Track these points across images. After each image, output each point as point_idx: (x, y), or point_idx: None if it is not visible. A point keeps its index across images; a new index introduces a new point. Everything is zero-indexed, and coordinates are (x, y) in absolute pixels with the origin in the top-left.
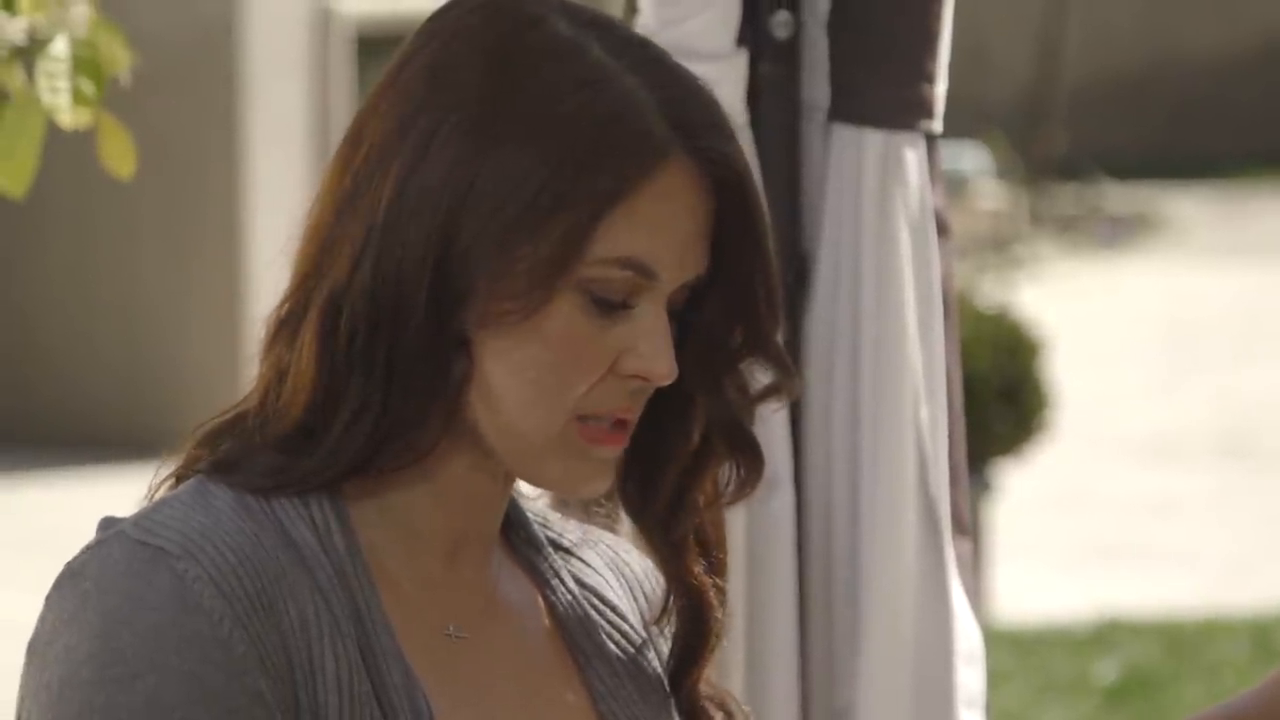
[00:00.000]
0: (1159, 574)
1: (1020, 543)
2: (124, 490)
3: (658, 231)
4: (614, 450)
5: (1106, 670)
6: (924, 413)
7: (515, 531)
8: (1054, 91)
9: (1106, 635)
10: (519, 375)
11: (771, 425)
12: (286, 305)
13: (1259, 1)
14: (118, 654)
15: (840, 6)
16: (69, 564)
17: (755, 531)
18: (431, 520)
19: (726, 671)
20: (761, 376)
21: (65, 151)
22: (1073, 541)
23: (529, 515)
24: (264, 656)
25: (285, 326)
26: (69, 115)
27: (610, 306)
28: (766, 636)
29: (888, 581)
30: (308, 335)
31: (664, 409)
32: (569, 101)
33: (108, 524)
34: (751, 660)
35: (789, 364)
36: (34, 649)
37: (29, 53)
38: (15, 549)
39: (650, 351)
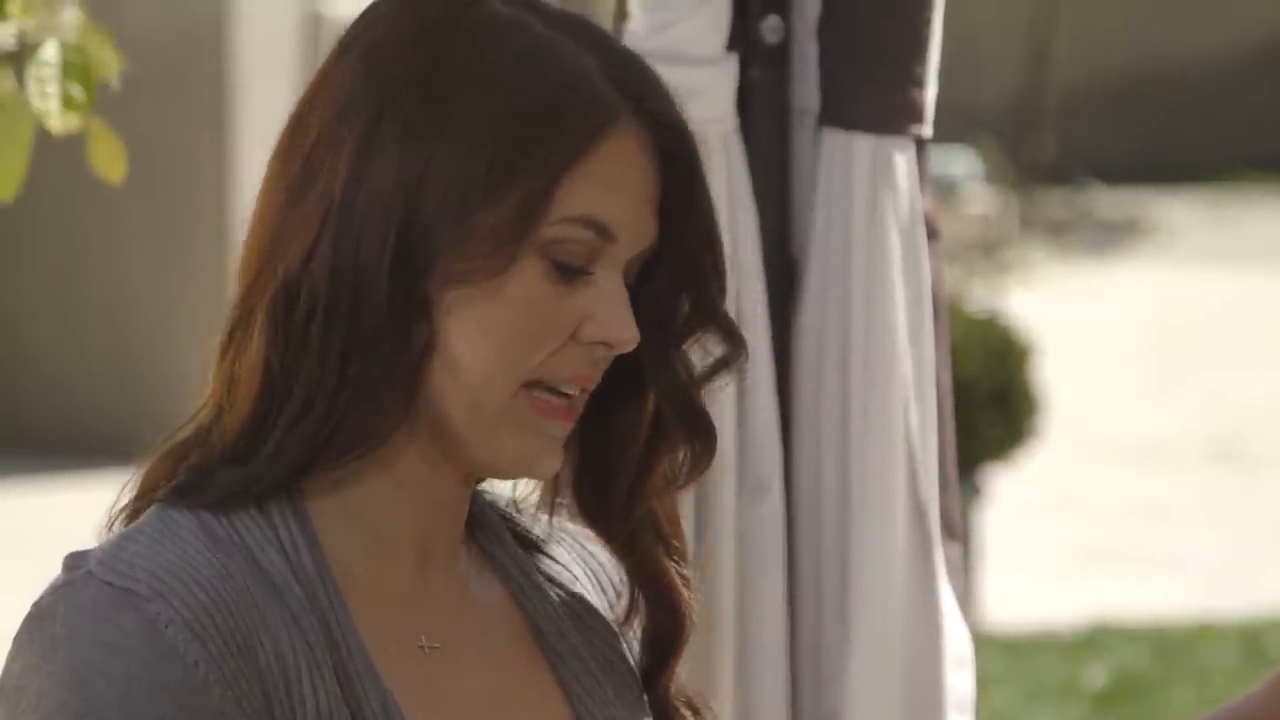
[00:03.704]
0: (1149, 579)
1: (1010, 547)
2: (113, 495)
3: (614, 192)
4: (563, 426)
5: (1096, 675)
6: (914, 417)
7: (481, 530)
8: (1043, 96)
9: (1096, 640)
10: (483, 340)
11: (761, 429)
12: (236, 312)
13: (1248, 6)
14: (91, 702)
15: (830, 11)
16: (36, 605)
17: (744, 536)
18: (397, 522)
19: (716, 676)
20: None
21: (54, 156)
22: (1063, 546)
23: (494, 511)
24: (240, 698)
25: (237, 330)
26: (59, 120)
27: (571, 272)
28: (756, 641)
29: (877, 586)
30: (258, 326)
31: (613, 403)
32: (515, 73)
33: (74, 561)
34: (741, 664)
35: (739, 334)
36: (3, 691)
37: (19, 58)
38: (3, 554)
39: (611, 317)
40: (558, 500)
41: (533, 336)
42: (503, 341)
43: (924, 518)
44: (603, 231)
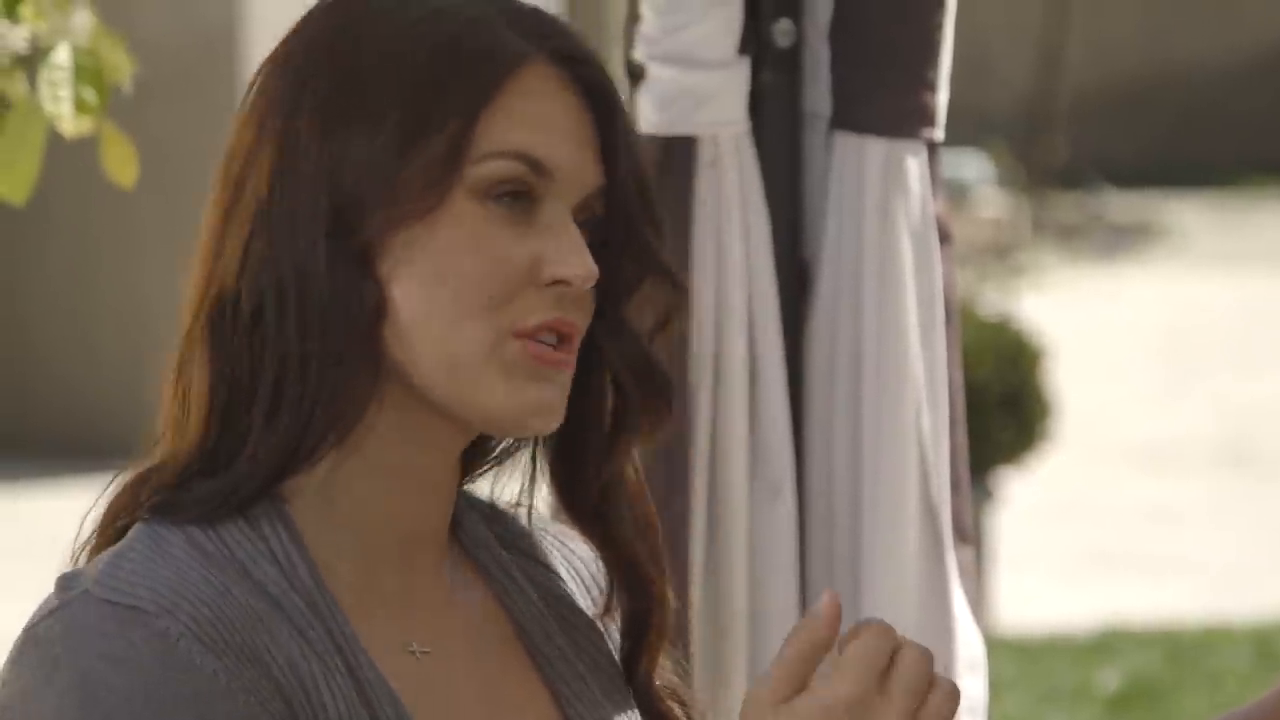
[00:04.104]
0: (1160, 582)
1: (1022, 551)
2: None
3: (540, 128)
4: (561, 371)
5: (1108, 679)
6: (925, 421)
7: (464, 531)
8: (1055, 100)
9: (1108, 644)
10: (436, 291)
11: (773, 432)
12: (184, 341)
13: (1260, 10)
14: (105, 718)
15: (842, 15)
16: (29, 629)
17: (757, 539)
18: (381, 516)
19: (728, 680)
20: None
21: (66, 159)
22: (1074, 550)
23: (476, 512)
24: (265, 702)
25: (184, 358)
26: (71, 123)
27: (514, 210)
28: (769, 644)
29: (889, 589)
30: (202, 343)
31: (577, 378)
32: (415, 34)
33: (67, 583)
34: (753, 667)
35: (679, 278)
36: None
37: (31, 61)
38: (16, 557)
39: (562, 253)
40: (531, 506)
41: (485, 277)
42: (455, 288)
43: (936, 521)
44: (535, 166)
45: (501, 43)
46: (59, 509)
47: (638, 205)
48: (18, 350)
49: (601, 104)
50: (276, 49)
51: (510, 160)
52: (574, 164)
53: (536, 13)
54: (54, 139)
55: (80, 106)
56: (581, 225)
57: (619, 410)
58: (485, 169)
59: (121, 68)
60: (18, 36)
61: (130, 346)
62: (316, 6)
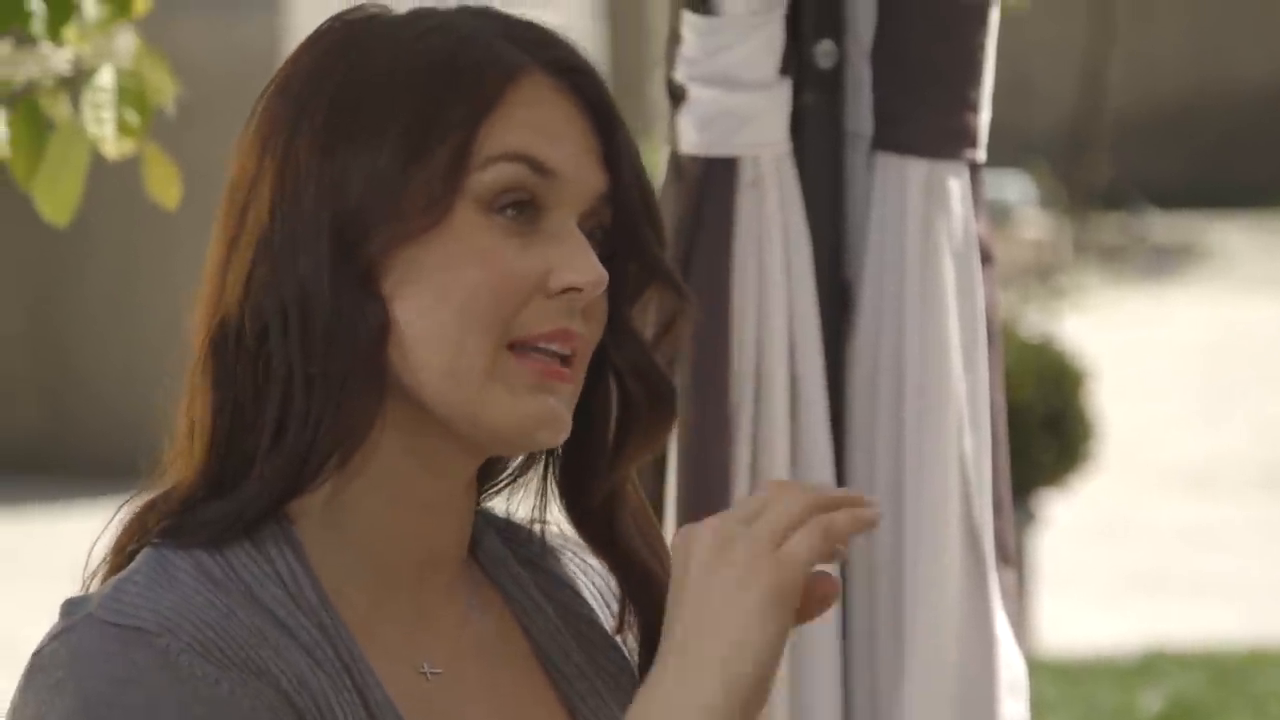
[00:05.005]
0: (1204, 604)
1: (1064, 573)
2: None
3: (538, 132)
4: (564, 385)
5: (1151, 701)
6: (968, 442)
7: (480, 548)
8: (1098, 120)
9: (1151, 666)
10: (441, 306)
11: (815, 453)
12: (191, 370)
13: None
14: None
15: (884, 36)
16: (36, 654)
17: None
18: (392, 536)
19: (769, 702)
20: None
21: (108, 180)
22: (1117, 571)
23: (492, 526)
24: (275, 709)
25: (193, 381)
26: (114, 145)
27: (518, 221)
28: (810, 665)
29: (932, 611)
30: (205, 370)
31: (584, 389)
32: (412, 53)
33: (71, 607)
34: (794, 689)
35: (684, 286)
36: None
37: (75, 83)
38: (56, 579)
39: (570, 260)
40: (545, 522)
41: (491, 291)
42: (461, 301)
43: (978, 542)
44: (536, 166)
45: (498, 55)
46: (98, 531)
47: (641, 212)
48: (57, 371)
49: (601, 113)
50: (273, 79)
51: (512, 163)
52: (576, 167)
53: (532, 25)
54: (96, 160)
55: (123, 128)
56: (588, 235)
57: (623, 418)
58: (488, 175)
59: (164, 90)
60: (61, 59)
61: (168, 369)
62: (311, 35)
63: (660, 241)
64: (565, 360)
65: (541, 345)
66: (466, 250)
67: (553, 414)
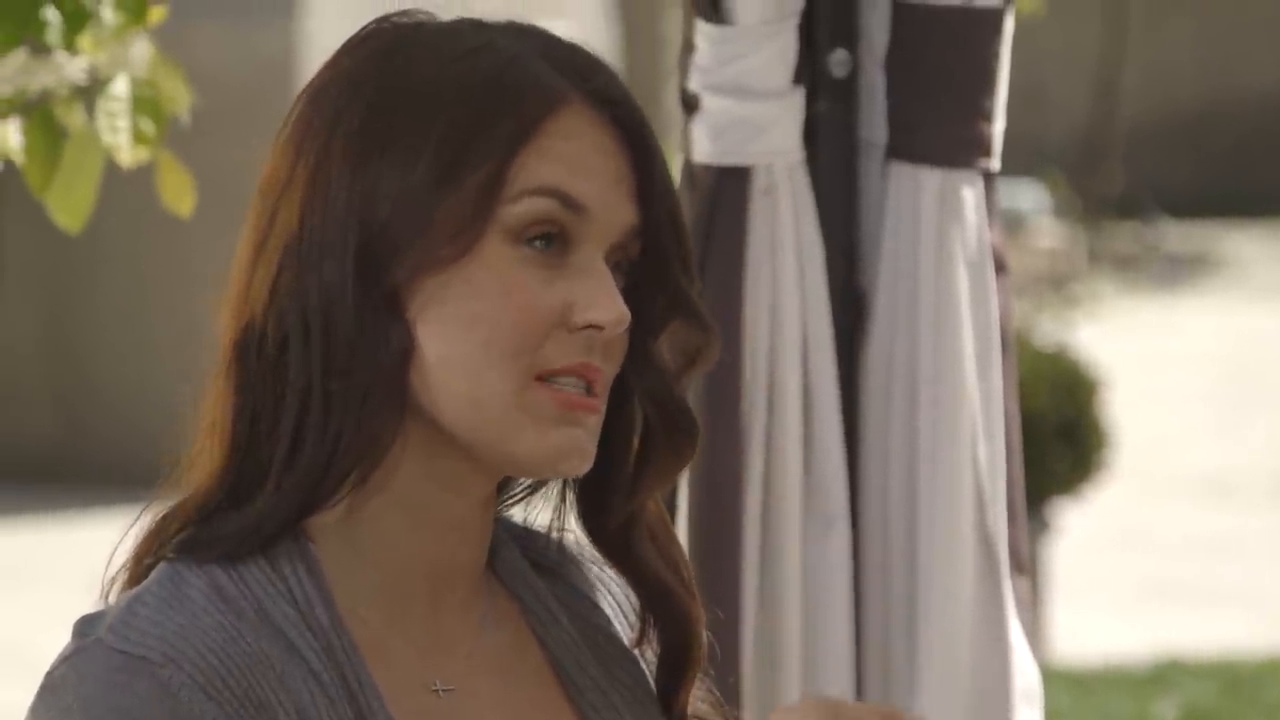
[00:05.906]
0: (1217, 613)
1: (1078, 582)
2: None
3: (575, 168)
4: (588, 416)
5: (1165, 710)
6: (982, 451)
7: (501, 562)
8: (1112, 129)
9: (1165, 675)
10: (467, 336)
11: (828, 462)
12: (214, 374)
13: None
14: None
15: (898, 45)
16: (48, 675)
17: (811, 569)
18: (407, 554)
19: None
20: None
21: (121, 188)
22: (1131, 581)
23: (510, 535)
24: None
25: (215, 385)
26: (128, 154)
27: (546, 254)
28: (823, 674)
29: (946, 620)
30: (228, 377)
31: (606, 415)
32: (452, 72)
33: (84, 628)
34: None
35: (709, 322)
36: None
37: (90, 92)
38: (69, 587)
39: (593, 297)
40: (565, 529)
41: (517, 325)
42: (488, 333)
43: (992, 551)
44: (568, 202)
45: (541, 82)
46: (112, 539)
47: (673, 247)
48: (70, 379)
49: (638, 145)
50: (312, 80)
51: (544, 198)
52: (607, 202)
53: (575, 50)
54: (110, 168)
55: (138, 137)
56: (614, 268)
57: (644, 447)
58: (520, 208)
59: (179, 99)
60: (76, 67)
61: (184, 377)
62: (353, 37)
63: (689, 276)
64: (589, 390)
65: (560, 380)
66: (493, 280)
67: (578, 445)
